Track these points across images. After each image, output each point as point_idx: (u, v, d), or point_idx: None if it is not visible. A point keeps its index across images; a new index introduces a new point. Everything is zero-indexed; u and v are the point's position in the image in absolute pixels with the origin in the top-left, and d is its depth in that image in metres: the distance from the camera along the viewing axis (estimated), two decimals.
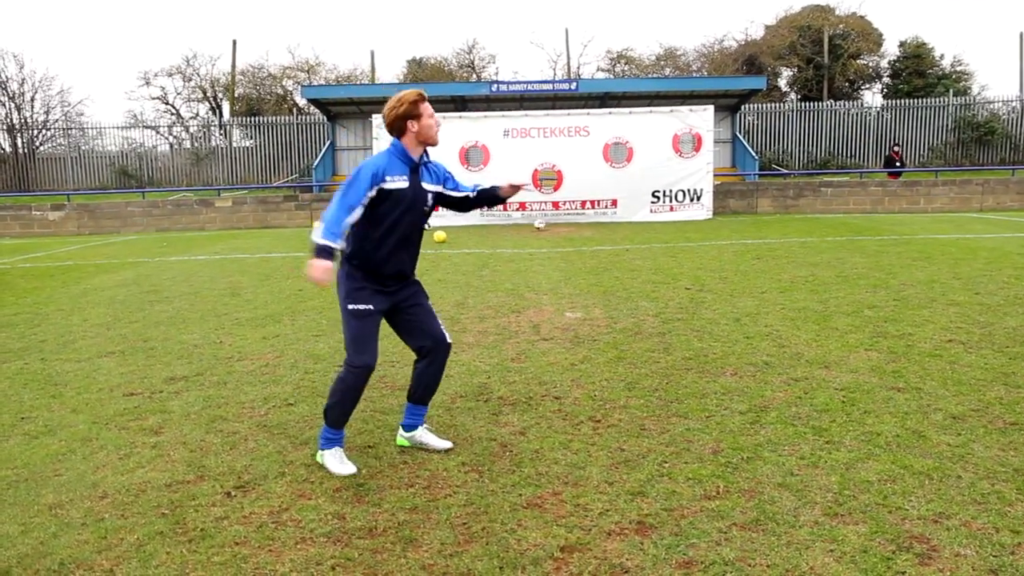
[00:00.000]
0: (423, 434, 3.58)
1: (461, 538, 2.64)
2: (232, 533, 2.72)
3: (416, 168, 3.37)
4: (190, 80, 35.00)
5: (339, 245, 3.21)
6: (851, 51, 32.93)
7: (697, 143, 18.80)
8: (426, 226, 3.64)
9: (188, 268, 11.04)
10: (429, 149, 3.45)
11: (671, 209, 18.92)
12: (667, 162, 18.81)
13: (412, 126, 3.30)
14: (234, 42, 33.79)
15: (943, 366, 4.60)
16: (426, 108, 3.32)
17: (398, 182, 3.28)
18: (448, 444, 3.56)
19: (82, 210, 20.95)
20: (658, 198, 18.94)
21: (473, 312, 6.83)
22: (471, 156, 18.84)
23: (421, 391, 3.55)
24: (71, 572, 2.49)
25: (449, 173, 3.60)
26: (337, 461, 3.31)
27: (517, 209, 18.84)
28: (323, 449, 3.37)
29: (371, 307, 3.32)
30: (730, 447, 3.39)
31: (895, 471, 3.08)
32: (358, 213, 3.23)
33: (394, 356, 5.27)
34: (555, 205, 18.97)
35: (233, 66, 33.76)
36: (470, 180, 3.74)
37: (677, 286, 7.99)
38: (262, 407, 4.20)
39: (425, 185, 3.41)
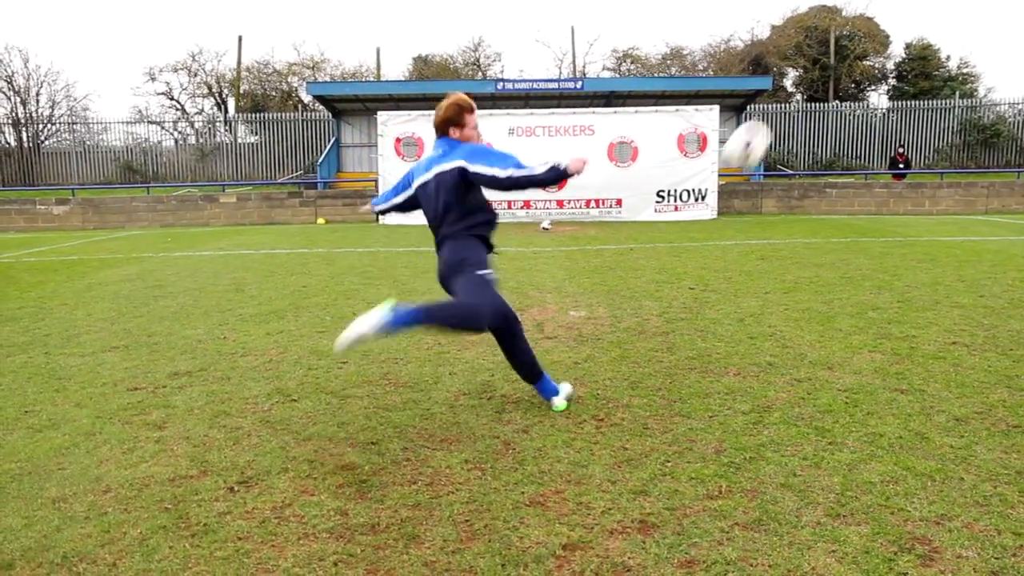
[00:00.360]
0: (565, 390, 3.98)
1: (463, 535, 2.64)
2: (235, 528, 2.73)
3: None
4: (195, 76, 35.08)
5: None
6: (857, 52, 32.85)
7: (702, 143, 18.78)
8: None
9: (192, 264, 11.06)
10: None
11: (676, 209, 18.91)
12: (672, 162, 18.80)
13: (454, 132, 3.69)
14: (240, 38, 33.88)
15: (947, 368, 4.59)
16: (471, 119, 3.71)
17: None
18: (568, 386, 4.04)
19: (87, 205, 21.01)
20: (663, 198, 18.93)
21: None
22: None
23: (527, 367, 3.94)
24: (74, 565, 2.50)
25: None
26: (363, 324, 3.37)
27: (522, 207, 18.85)
28: (390, 310, 3.40)
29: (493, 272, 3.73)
30: (733, 447, 3.39)
31: (898, 472, 3.07)
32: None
33: (398, 353, 5.28)
34: (559, 204, 18.97)
35: (239, 62, 33.82)
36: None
37: (681, 286, 7.98)
38: (265, 403, 4.21)
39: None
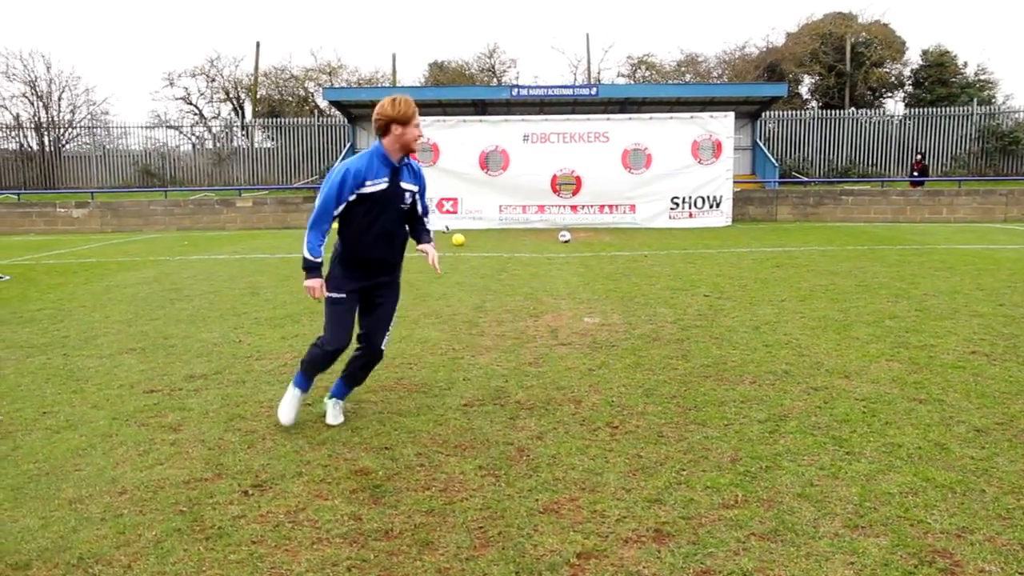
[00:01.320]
0: (337, 405, 3.96)
1: (477, 542, 2.63)
2: (249, 532, 2.73)
3: (397, 170, 3.64)
4: (213, 81, 35.36)
5: (321, 259, 3.66)
6: (873, 59, 32.63)
7: (717, 150, 18.70)
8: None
9: (208, 267, 11.14)
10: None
11: (690, 216, 18.83)
12: (686, 168, 18.73)
13: (396, 129, 3.53)
14: (257, 44, 34.21)
15: (966, 378, 4.53)
16: (413, 116, 3.57)
17: (378, 184, 3.58)
18: (339, 420, 3.92)
19: (105, 208, 21.23)
20: (677, 204, 18.86)
21: (491, 316, 6.83)
22: (491, 160, 18.87)
23: (348, 377, 3.96)
24: (90, 567, 2.51)
25: (424, 184, 3.87)
26: (287, 403, 3.84)
27: (536, 212, 18.85)
28: (293, 384, 3.89)
29: (343, 295, 3.70)
30: (749, 456, 3.36)
31: (917, 484, 3.03)
32: (338, 212, 3.59)
33: (412, 358, 5.28)
34: (574, 209, 18.94)
35: (256, 67, 34.10)
36: (429, 217, 4.04)
37: (696, 293, 7.94)
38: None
39: (404, 184, 3.68)
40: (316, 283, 3.64)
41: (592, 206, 18.91)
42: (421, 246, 3.90)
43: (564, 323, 6.44)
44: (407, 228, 3.86)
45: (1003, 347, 5.28)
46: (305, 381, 3.89)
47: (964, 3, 51.97)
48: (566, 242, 13.49)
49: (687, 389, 4.42)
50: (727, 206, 18.88)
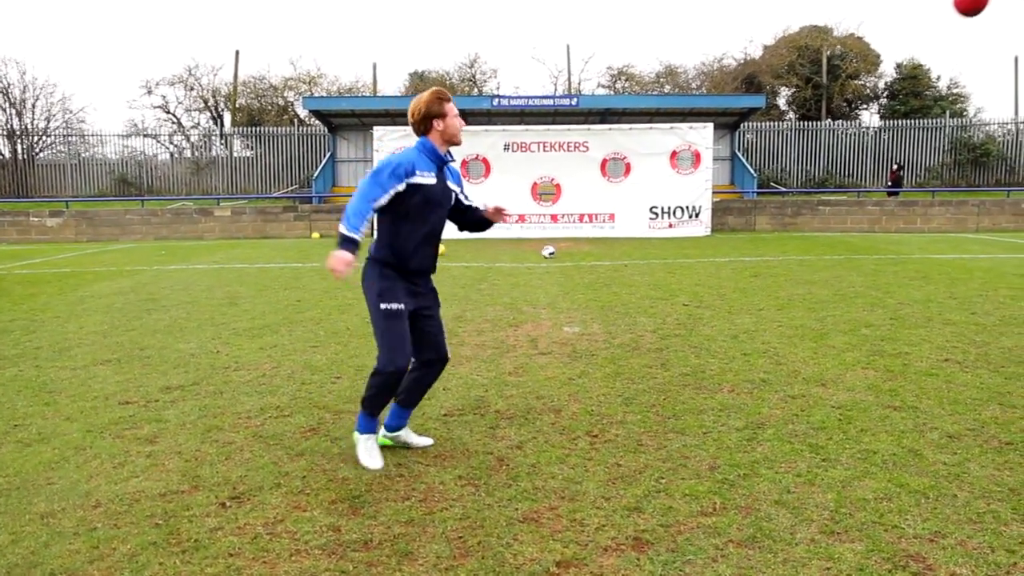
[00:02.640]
0: (407, 434, 3.69)
1: (457, 552, 2.63)
2: (226, 544, 2.71)
3: (442, 166, 3.47)
4: (192, 90, 35.16)
5: (360, 237, 3.26)
6: (849, 71, 33.21)
7: (696, 160, 18.90)
8: None
9: (186, 277, 11.03)
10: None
11: (670, 226, 18.99)
12: (665, 178, 18.91)
13: (438, 124, 3.40)
14: (236, 52, 34.00)
15: (939, 385, 4.61)
16: (451, 107, 3.43)
17: (428, 177, 3.37)
18: (429, 440, 3.72)
19: (80, 217, 20.96)
20: (656, 214, 19.01)
21: (471, 325, 6.83)
22: (472, 169, 18.91)
23: (414, 397, 3.63)
24: None
25: (463, 184, 3.72)
26: (366, 452, 3.46)
27: (517, 221, 18.90)
28: (359, 431, 3.51)
29: (402, 306, 3.37)
30: (727, 464, 3.39)
31: (891, 489, 3.07)
32: (383, 201, 3.30)
33: None
34: (554, 218, 19.03)
35: (235, 76, 33.93)
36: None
37: (675, 302, 8.00)
38: (258, 417, 4.19)
39: (449, 184, 3.53)
40: (348, 256, 3.16)
41: (572, 215, 19.01)
42: (483, 211, 3.64)
43: (544, 333, 6.45)
44: (461, 221, 3.67)
45: (975, 355, 5.38)
46: (370, 422, 3.49)
47: (937, 18, 53.06)
48: (551, 255, 13.45)
49: (666, 398, 4.45)
50: (706, 216, 19.07)
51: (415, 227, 3.39)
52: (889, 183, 23.75)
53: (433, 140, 3.42)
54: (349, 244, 3.21)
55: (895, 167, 24.90)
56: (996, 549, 2.57)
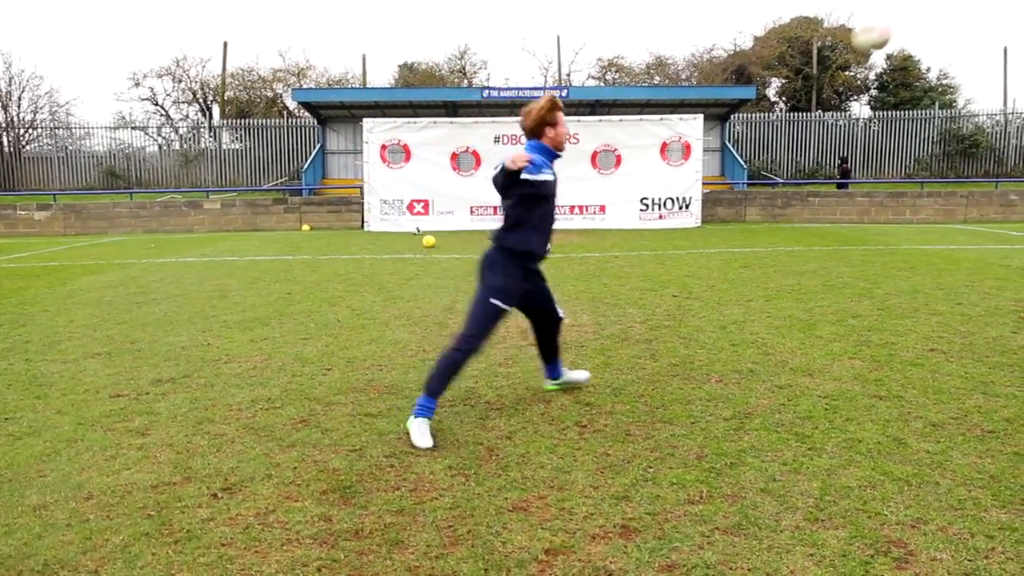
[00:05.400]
0: (567, 374, 4.41)
1: (447, 540, 2.66)
2: (218, 534, 2.73)
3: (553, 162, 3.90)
4: (180, 82, 34.91)
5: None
6: (839, 63, 33.28)
7: (686, 151, 18.94)
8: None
9: (176, 270, 11.00)
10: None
11: (660, 217, 19.04)
12: (656, 170, 18.93)
13: (549, 131, 3.82)
14: (225, 44, 33.74)
15: (924, 375, 4.67)
16: (561, 116, 3.83)
17: (549, 175, 3.80)
18: (586, 373, 4.52)
19: (68, 210, 20.82)
20: (647, 205, 19.05)
21: (462, 317, 6.83)
22: (462, 161, 18.88)
23: (551, 350, 4.30)
24: (55, 573, 2.48)
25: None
26: (419, 433, 3.61)
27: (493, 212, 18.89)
28: (415, 416, 3.69)
29: (508, 309, 3.85)
30: (714, 453, 3.43)
31: (875, 477, 3.12)
32: (528, 178, 3.64)
33: (382, 360, 5.28)
34: None
35: (224, 68, 33.68)
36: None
37: (665, 293, 8.04)
38: (249, 409, 4.20)
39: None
40: (523, 154, 3.50)
41: (562, 206, 19.01)
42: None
43: None
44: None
45: (960, 345, 5.44)
46: (432, 400, 3.69)
47: (926, 10, 53.22)
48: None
49: (655, 388, 4.49)
50: (696, 207, 19.12)
51: (541, 219, 3.84)
52: (837, 175, 24.01)
53: (545, 143, 3.83)
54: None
55: (840, 160, 25.13)
56: (976, 535, 2.62)
